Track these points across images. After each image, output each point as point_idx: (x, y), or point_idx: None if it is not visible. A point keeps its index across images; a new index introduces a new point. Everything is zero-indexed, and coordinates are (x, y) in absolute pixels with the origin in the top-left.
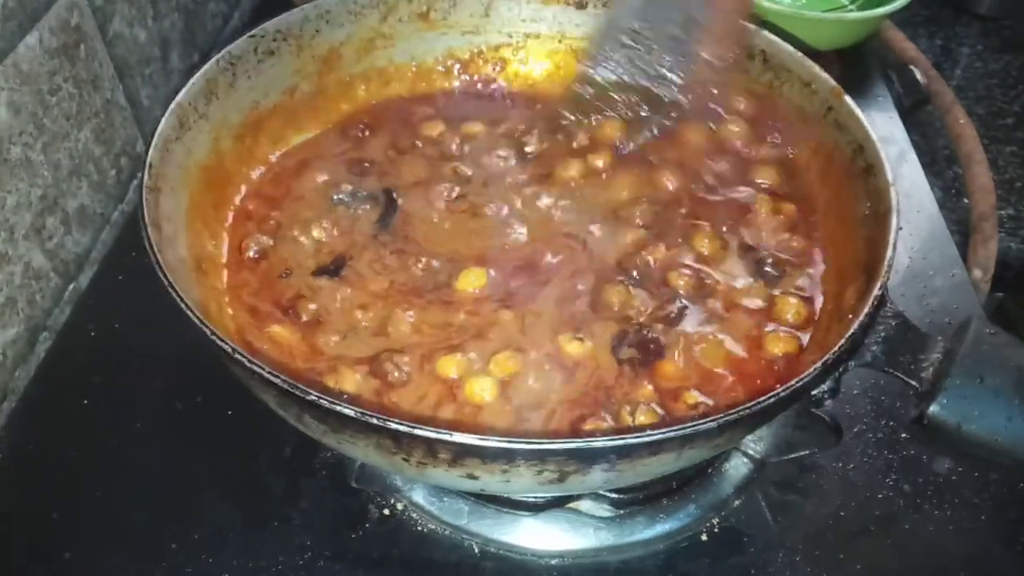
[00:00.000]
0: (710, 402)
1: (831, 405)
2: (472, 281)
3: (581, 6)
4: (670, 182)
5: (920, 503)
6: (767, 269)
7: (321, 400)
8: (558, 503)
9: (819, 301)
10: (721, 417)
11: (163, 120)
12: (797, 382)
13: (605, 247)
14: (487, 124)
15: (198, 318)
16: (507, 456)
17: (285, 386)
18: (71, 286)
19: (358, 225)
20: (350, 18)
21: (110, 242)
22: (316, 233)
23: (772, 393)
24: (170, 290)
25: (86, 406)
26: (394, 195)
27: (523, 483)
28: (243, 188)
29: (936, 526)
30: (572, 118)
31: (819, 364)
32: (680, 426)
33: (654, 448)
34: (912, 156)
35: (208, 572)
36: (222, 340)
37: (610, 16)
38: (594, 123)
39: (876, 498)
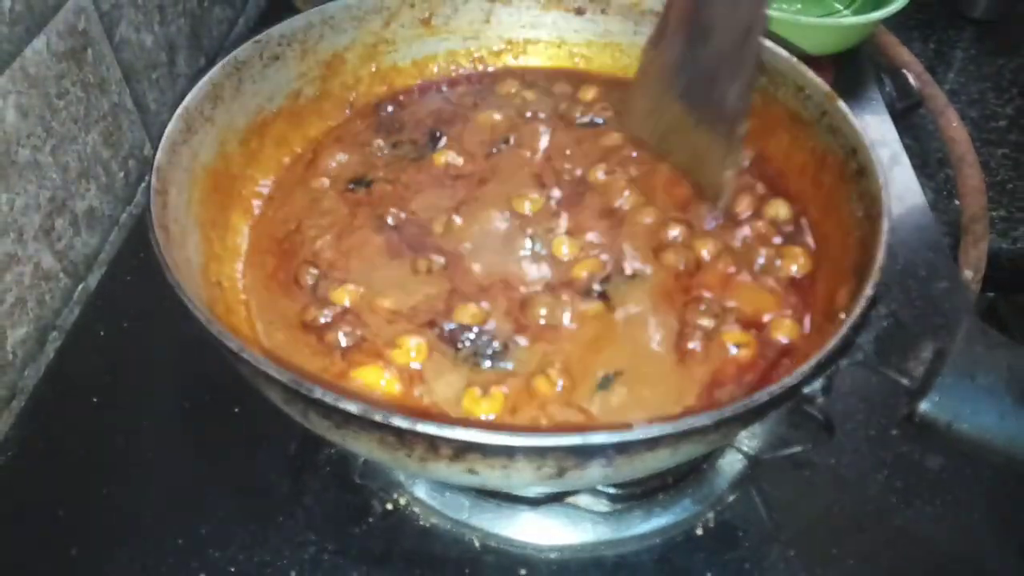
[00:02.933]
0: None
1: (823, 403)
2: None
3: (580, 12)
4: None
5: (912, 499)
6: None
7: (325, 397)
8: (557, 498)
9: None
10: (716, 414)
11: (170, 124)
12: (790, 380)
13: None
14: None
15: (205, 317)
16: (507, 452)
17: (291, 384)
18: (80, 286)
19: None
20: (353, 24)
21: (119, 243)
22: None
23: (765, 391)
24: (177, 290)
25: (94, 405)
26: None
27: (523, 478)
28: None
29: (928, 522)
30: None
31: (812, 363)
32: (676, 423)
33: (651, 444)
34: (904, 159)
35: (214, 567)
36: (229, 339)
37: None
38: None
39: (869, 494)
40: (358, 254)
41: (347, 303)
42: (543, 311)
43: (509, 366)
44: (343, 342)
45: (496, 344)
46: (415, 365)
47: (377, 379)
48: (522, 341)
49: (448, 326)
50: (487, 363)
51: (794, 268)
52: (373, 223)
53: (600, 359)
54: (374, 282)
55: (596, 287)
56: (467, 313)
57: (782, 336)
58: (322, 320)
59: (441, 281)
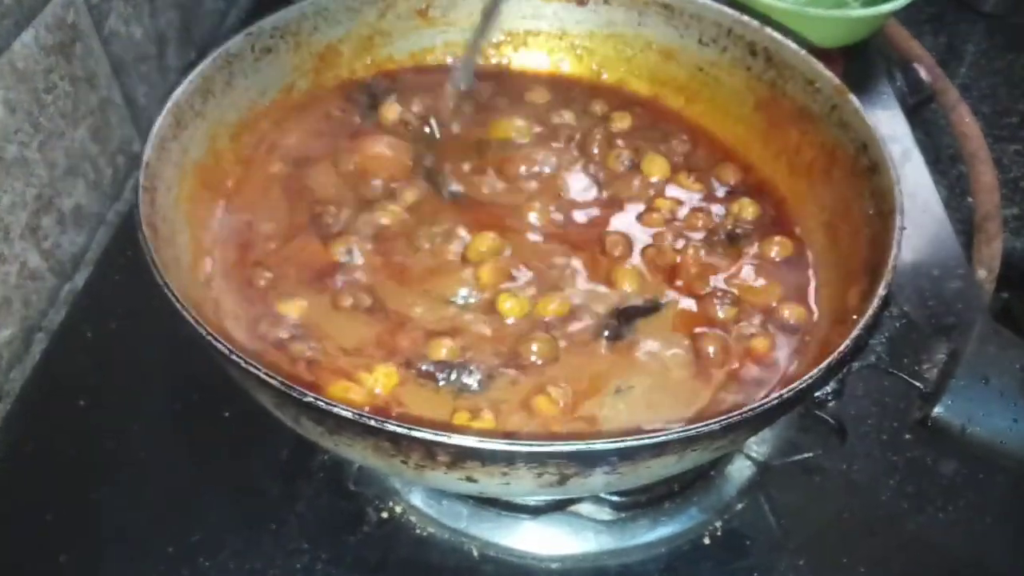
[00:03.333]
0: None
1: (835, 406)
2: None
3: (582, 3)
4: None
5: (924, 505)
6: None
7: (318, 402)
8: (558, 506)
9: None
10: (724, 419)
11: (159, 119)
12: (801, 383)
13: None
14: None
15: (194, 318)
16: (507, 459)
17: (282, 387)
18: (67, 286)
19: None
20: (348, 15)
21: (106, 242)
22: None
23: (775, 395)
24: (166, 290)
25: (82, 407)
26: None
27: (523, 486)
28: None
29: (941, 528)
30: None
31: (823, 365)
32: (683, 428)
33: (656, 450)
34: (916, 155)
35: (204, 575)
36: (218, 340)
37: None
38: None
39: (880, 500)
40: (296, 261)
41: (296, 317)
42: (534, 348)
43: (498, 395)
44: (306, 354)
45: (479, 376)
46: (387, 392)
47: (344, 396)
48: (511, 372)
49: (424, 366)
50: (471, 392)
51: (774, 253)
52: (308, 220)
53: (609, 381)
54: (313, 302)
55: (606, 333)
56: (442, 348)
57: (791, 319)
58: (277, 335)
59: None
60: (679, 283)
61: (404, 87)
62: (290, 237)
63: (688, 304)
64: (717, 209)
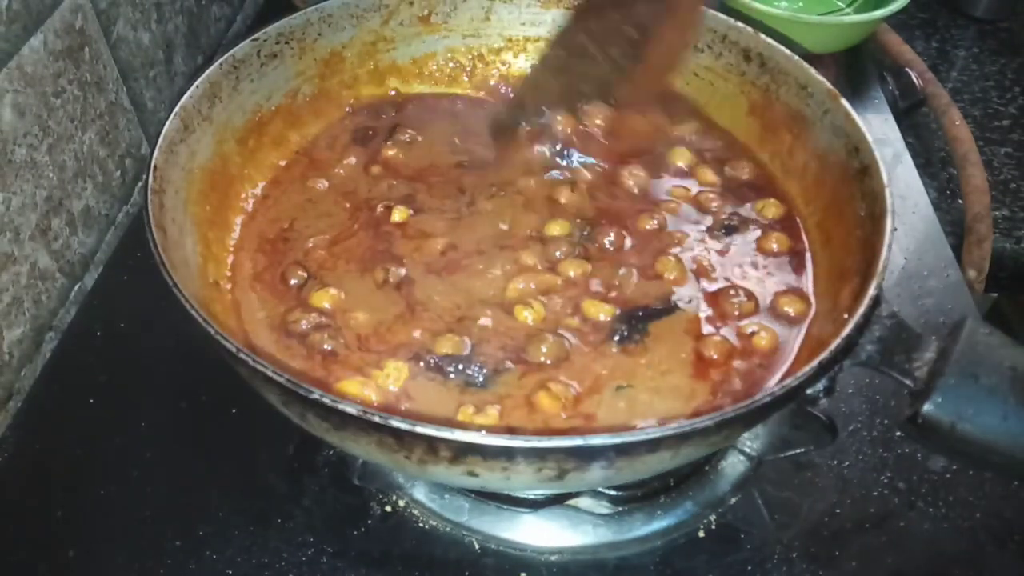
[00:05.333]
0: None
1: (826, 404)
2: None
3: None
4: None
5: (915, 501)
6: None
7: (324, 399)
8: (557, 500)
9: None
10: (718, 415)
11: (167, 123)
12: (792, 381)
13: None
14: None
15: (203, 317)
16: (507, 454)
17: (289, 385)
18: (77, 286)
19: None
20: (352, 21)
21: (115, 243)
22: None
23: (768, 391)
24: (175, 290)
25: (91, 405)
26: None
27: (523, 480)
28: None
29: (931, 524)
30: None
31: (814, 363)
32: (677, 424)
33: (652, 446)
34: (907, 158)
35: (211, 569)
36: (226, 339)
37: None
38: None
39: (871, 496)
40: (349, 255)
41: (327, 306)
42: (543, 348)
43: (504, 390)
44: (326, 347)
45: (486, 371)
46: (399, 386)
47: (360, 391)
48: (513, 367)
49: (432, 359)
50: (478, 387)
51: (775, 246)
52: (369, 227)
53: (612, 381)
54: (351, 290)
55: (620, 333)
56: (448, 343)
57: (792, 315)
58: (303, 326)
59: (400, 297)
60: (702, 280)
61: None
62: (345, 236)
63: (703, 303)
64: (736, 206)
